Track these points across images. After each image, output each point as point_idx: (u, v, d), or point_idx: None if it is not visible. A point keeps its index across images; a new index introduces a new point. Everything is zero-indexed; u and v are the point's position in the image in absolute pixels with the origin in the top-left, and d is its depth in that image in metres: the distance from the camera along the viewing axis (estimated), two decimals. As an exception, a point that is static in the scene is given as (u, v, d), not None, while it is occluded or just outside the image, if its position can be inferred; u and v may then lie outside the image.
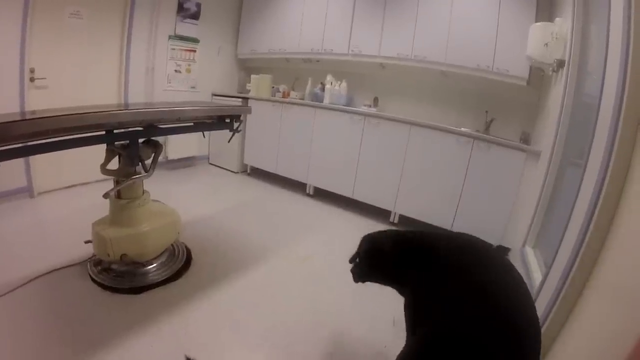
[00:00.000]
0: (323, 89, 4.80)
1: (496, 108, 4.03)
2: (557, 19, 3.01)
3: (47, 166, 3.76)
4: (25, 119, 1.94)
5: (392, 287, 1.64)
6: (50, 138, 1.89)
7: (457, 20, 3.84)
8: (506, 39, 3.60)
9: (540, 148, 3.16)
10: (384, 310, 2.37)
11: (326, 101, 4.66)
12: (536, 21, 3.33)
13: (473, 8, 3.78)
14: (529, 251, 2.87)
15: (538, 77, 3.65)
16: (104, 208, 2.48)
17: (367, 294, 2.38)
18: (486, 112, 4.04)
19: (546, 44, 2.97)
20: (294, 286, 2.65)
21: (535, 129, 3.71)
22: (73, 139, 1.97)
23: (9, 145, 1.69)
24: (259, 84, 5.38)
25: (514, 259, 3.15)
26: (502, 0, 3.60)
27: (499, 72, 3.67)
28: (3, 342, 1.82)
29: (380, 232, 1.73)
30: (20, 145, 1.78)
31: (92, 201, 2.82)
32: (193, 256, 2.84)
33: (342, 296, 2.53)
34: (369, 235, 1.74)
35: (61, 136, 1.92)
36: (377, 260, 1.64)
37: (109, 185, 2.34)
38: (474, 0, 3.79)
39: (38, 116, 1.77)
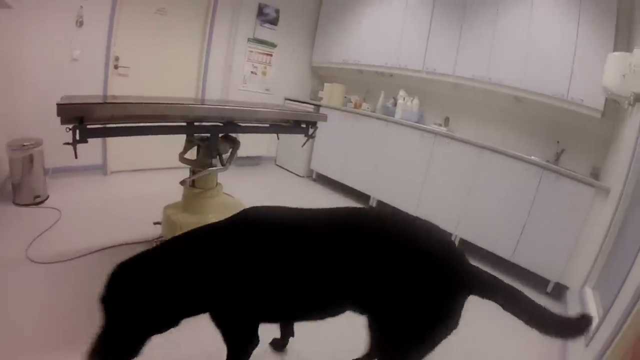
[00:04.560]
0: (395, 104, 4.74)
1: (567, 138, 3.80)
2: (636, 49, 2.73)
3: (121, 148, 3.98)
4: (119, 102, 2.03)
5: None
6: (131, 123, 1.95)
7: (534, 45, 3.67)
8: (582, 67, 3.39)
9: (610, 185, 2.93)
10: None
11: (397, 116, 4.59)
12: (614, 50, 3.11)
13: (551, 33, 3.60)
14: (589, 292, 2.66)
15: (613, 109, 3.37)
16: (172, 195, 2.57)
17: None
18: (557, 142, 3.83)
19: (623, 75, 2.74)
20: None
21: (606, 164, 3.45)
22: (158, 126, 2.04)
23: (93, 124, 1.76)
24: (331, 93, 5.41)
25: (573, 298, 2.95)
26: (580, 28, 3.40)
27: (573, 102, 3.45)
28: (64, 301, 1.97)
29: None
30: (99, 126, 1.84)
31: (162, 186, 2.91)
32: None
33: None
34: None
35: (144, 122, 1.99)
36: None
37: (179, 173, 2.43)
38: (552, 25, 3.60)
39: (133, 101, 1.84)
